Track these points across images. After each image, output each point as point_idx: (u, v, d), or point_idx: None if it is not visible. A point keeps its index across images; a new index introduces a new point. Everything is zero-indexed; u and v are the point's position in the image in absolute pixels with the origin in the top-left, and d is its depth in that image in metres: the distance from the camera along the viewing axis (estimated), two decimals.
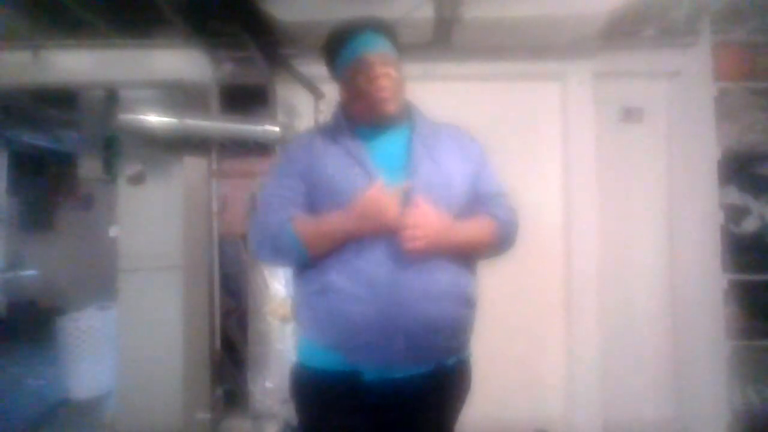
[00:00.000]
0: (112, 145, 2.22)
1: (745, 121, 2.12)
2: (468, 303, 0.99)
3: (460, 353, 1.00)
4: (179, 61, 2.06)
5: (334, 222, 0.93)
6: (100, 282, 2.77)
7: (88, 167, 2.35)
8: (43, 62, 2.02)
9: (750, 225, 2.16)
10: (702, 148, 2.01)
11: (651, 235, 2.08)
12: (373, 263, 0.91)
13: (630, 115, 2.09)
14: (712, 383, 1.96)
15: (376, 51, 0.99)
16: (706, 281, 1.99)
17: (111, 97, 2.22)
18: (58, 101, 2.74)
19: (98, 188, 3.99)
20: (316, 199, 0.99)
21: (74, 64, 2.06)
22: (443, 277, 0.94)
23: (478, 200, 1.03)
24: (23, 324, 3.67)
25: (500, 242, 1.02)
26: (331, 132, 1.05)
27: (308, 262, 0.96)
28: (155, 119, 1.88)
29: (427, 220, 0.89)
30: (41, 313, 3.73)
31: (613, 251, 2.04)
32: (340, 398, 0.94)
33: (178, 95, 2.13)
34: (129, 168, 2.18)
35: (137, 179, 2.18)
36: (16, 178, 4.14)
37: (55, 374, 2.79)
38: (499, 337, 1.99)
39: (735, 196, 2.17)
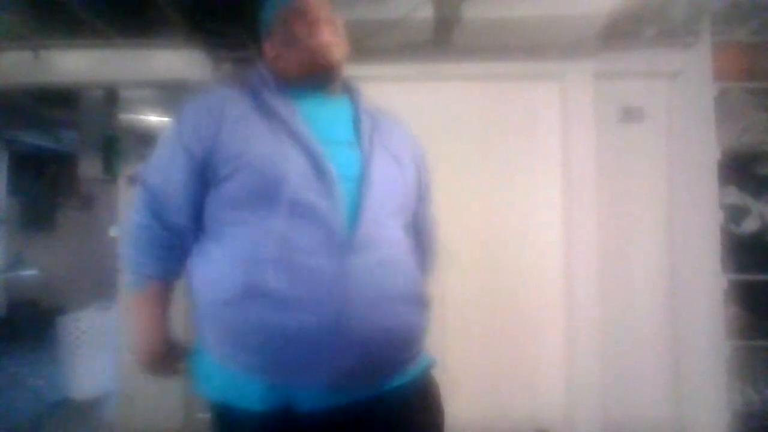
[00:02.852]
0: (112, 145, 2.22)
1: (745, 122, 2.12)
2: (426, 304, 0.85)
3: (412, 367, 0.82)
4: (179, 61, 2.06)
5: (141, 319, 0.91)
6: (100, 282, 2.77)
7: (88, 167, 2.35)
8: (43, 62, 2.02)
9: (750, 225, 2.16)
10: (702, 148, 2.01)
11: (651, 235, 2.08)
12: (315, 256, 0.72)
13: (630, 115, 2.09)
14: (712, 383, 1.96)
15: None
16: (706, 281, 1.98)
17: (111, 97, 2.23)
18: (58, 101, 2.74)
19: (98, 188, 3.98)
20: (229, 179, 0.76)
21: (74, 64, 2.05)
22: (400, 274, 0.79)
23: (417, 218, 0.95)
24: (23, 324, 3.68)
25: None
26: (251, 92, 0.84)
27: None
28: (155, 119, 1.88)
29: None
30: (41, 313, 3.73)
31: (613, 251, 2.04)
32: None
33: (178, 95, 2.13)
34: (129, 168, 2.18)
35: (137, 179, 2.18)
36: (16, 178, 4.15)
37: (55, 374, 2.78)
38: (499, 336, 2.00)
39: (735, 196, 2.17)
